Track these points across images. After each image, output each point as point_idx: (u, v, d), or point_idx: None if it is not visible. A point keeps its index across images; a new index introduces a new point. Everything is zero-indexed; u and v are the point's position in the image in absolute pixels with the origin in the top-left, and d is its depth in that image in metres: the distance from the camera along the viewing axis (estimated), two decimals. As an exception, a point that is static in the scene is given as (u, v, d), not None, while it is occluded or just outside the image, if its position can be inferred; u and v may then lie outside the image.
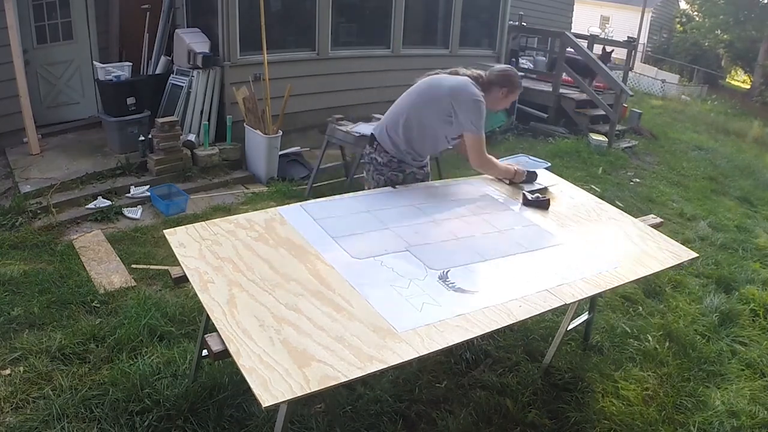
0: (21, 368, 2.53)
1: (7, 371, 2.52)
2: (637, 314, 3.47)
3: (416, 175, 2.92)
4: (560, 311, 2.76)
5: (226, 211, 4.45)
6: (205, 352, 2.28)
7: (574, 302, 2.14)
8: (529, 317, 1.96)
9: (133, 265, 3.55)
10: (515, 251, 2.33)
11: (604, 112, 7.68)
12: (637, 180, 6.49)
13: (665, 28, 25.65)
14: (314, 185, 4.94)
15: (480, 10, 7.96)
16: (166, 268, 3.33)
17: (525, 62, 9.56)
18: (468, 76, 2.77)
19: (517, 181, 2.92)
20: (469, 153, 2.79)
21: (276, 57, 5.52)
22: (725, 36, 21.52)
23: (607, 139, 7.37)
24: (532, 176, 2.98)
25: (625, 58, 9.89)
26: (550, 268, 2.22)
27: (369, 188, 2.94)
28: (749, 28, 19.74)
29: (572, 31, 10.51)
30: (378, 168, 2.89)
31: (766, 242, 4.99)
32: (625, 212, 2.90)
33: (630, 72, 11.07)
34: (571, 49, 7.98)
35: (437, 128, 2.78)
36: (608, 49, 8.65)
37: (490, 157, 2.84)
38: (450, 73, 2.81)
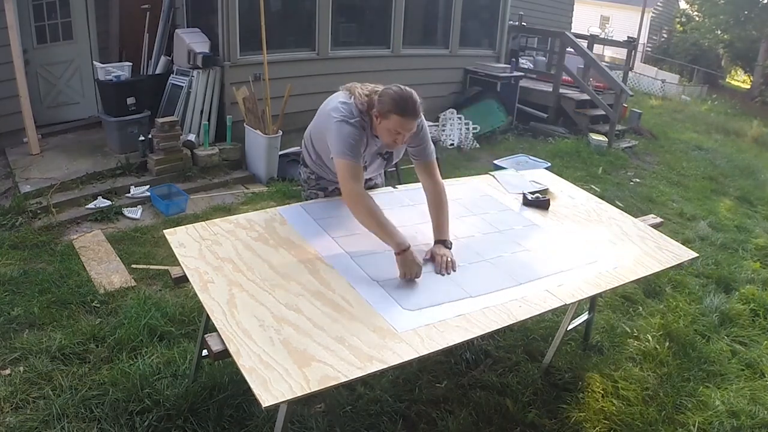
0: (21, 368, 2.53)
1: (7, 371, 2.52)
2: (637, 314, 3.47)
3: (339, 190, 2.37)
4: (560, 311, 2.76)
5: (226, 211, 4.45)
6: (205, 352, 2.28)
7: (574, 302, 2.14)
8: (529, 317, 1.97)
9: (133, 265, 3.55)
10: (515, 251, 2.33)
11: (604, 112, 7.69)
12: (637, 180, 6.49)
13: (665, 28, 25.65)
14: (310, 192, 4.92)
15: (480, 10, 7.96)
16: (166, 268, 3.33)
17: (525, 62, 9.56)
18: (358, 95, 2.26)
19: (400, 266, 2.06)
20: (340, 182, 2.23)
21: (276, 57, 5.52)
22: (725, 36, 21.52)
23: (607, 139, 7.37)
24: (543, 204, 2.61)
25: (625, 58, 9.88)
26: (550, 268, 2.22)
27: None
28: (749, 28, 19.73)
29: (572, 31, 10.51)
30: (301, 184, 2.68)
31: (766, 242, 4.98)
32: (625, 212, 2.90)
33: (630, 72, 11.07)
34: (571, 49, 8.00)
35: (327, 149, 2.35)
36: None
37: (363, 199, 2.17)
38: (342, 89, 2.36)
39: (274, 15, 5.83)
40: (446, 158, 5.51)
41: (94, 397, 2.37)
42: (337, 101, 2.30)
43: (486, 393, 2.63)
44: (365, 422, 2.39)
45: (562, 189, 3.05)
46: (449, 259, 2.15)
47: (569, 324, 2.72)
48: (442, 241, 2.24)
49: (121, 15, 5.80)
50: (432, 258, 2.18)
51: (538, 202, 2.74)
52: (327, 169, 2.55)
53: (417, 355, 1.67)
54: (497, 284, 2.07)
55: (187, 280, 1.96)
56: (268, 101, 5.18)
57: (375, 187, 2.79)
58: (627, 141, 8.01)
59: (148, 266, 3.55)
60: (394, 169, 3.16)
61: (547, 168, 3.22)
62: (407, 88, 2.17)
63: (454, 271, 2.14)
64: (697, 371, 2.97)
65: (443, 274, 2.12)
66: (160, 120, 4.87)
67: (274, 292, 1.87)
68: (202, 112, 5.36)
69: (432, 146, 2.42)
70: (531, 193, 2.81)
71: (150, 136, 4.91)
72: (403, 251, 2.05)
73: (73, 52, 5.57)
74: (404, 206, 2.60)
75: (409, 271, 2.04)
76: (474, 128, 7.03)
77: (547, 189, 2.97)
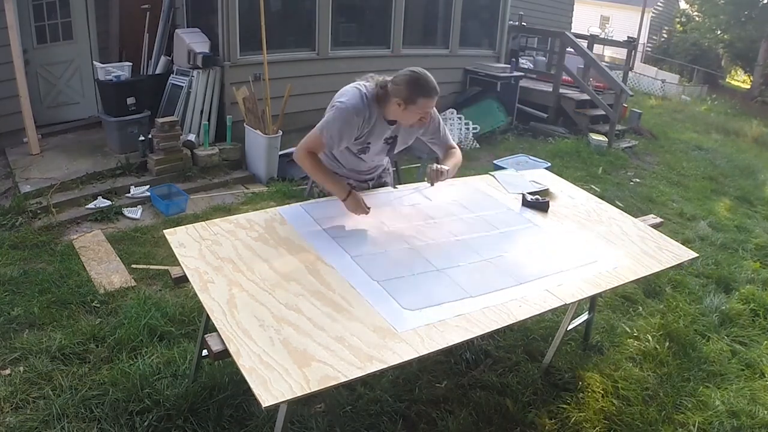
0: (21, 368, 2.53)
1: (7, 371, 2.52)
2: (637, 314, 3.47)
3: (354, 187, 2.52)
4: (560, 311, 2.76)
5: (226, 211, 4.45)
6: (205, 352, 2.28)
7: (574, 302, 2.14)
8: (529, 317, 1.97)
9: (133, 265, 3.55)
10: (515, 251, 2.33)
11: (604, 112, 7.69)
12: (637, 180, 6.49)
13: (665, 27, 25.65)
14: (314, 185, 4.92)
15: (480, 10, 7.97)
16: (166, 268, 3.33)
17: (525, 62, 9.56)
18: (372, 83, 2.39)
19: (348, 207, 2.38)
20: (300, 143, 2.46)
21: (276, 57, 5.52)
22: (725, 36, 21.51)
23: (607, 139, 7.37)
24: (543, 206, 2.66)
25: (625, 58, 9.89)
26: (550, 268, 2.22)
27: (306, 195, 2.79)
28: (749, 28, 19.72)
29: (572, 31, 10.51)
30: (314, 180, 2.74)
31: (766, 242, 4.98)
32: (625, 212, 2.90)
33: (630, 72, 11.07)
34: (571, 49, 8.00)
35: None
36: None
37: (313, 158, 2.42)
38: (360, 78, 2.48)
39: (274, 15, 5.83)
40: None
41: (94, 397, 2.37)
42: (349, 86, 2.42)
43: (486, 393, 2.63)
44: (365, 422, 2.39)
45: (562, 189, 3.05)
46: (438, 168, 2.48)
47: (569, 324, 2.72)
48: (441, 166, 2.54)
49: (121, 15, 5.80)
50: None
51: (538, 204, 2.73)
52: (338, 163, 2.59)
53: (417, 355, 1.67)
54: (497, 284, 2.07)
55: (187, 280, 1.96)
56: (268, 101, 5.18)
57: (384, 185, 2.80)
58: (627, 141, 8.01)
59: (148, 266, 3.55)
60: (395, 169, 3.17)
61: (547, 168, 3.22)
62: (418, 69, 2.31)
63: (443, 179, 2.51)
64: (697, 371, 2.97)
65: (431, 184, 2.54)
66: (160, 120, 4.87)
67: (274, 292, 1.87)
68: (202, 112, 5.36)
69: (449, 135, 2.68)
70: (531, 194, 2.80)
71: (150, 136, 4.91)
72: (348, 195, 2.37)
73: (73, 52, 5.57)
74: (404, 206, 2.59)
75: (355, 210, 2.36)
76: (474, 128, 7.03)
77: (547, 189, 2.97)
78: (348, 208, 2.38)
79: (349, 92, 2.38)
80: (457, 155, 2.67)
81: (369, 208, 2.39)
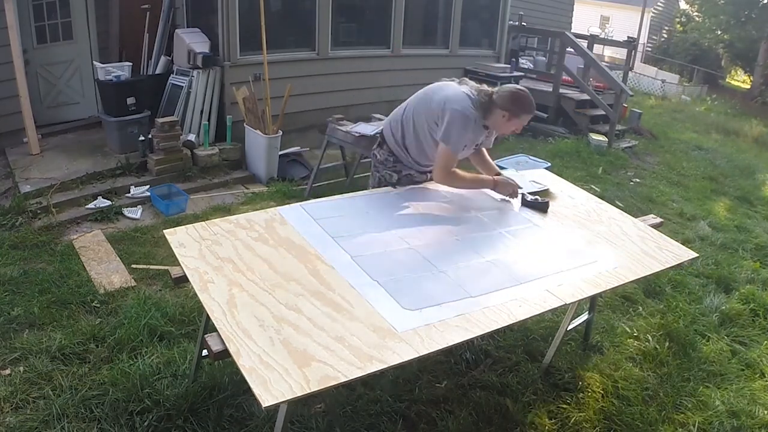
0: (21, 368, 2.53)
1: (7, 371, 2.52)
2: (637, 314, 3.47)
3: (414, 178, 2.85)
4: (560, 311, 2.76)
5: (226, 211, 4.45)
6: (205, 352, 2.28)
7: (574, 302, 2.14)
8: (529, 317, 1.97)
9: (133, 265, 3.55)
10: (515, 250, 2.33)
11: (604, 112, 7.68)
12: (637, 180, 6.49)
13: (666, 27, 25.65)
14: (314, 185, 4.94)
15: (480, 10, 7.96)
16: (166, 268, 3.33)
17: (525, 62, 9.56)
18: (474, 90, 2.66)
19: (501, 192, 2.75)
20: (434, 165, 2.70)
21: (276, 57, 5.52)
22: (725, 36, 21.49)
23: (607, 139, 7.37)
24: (543, 206, 2.73)
25: (625, 58, 9.88)
26: (550, 267, 2.22)
27: (370, 187, 2.95)
28: (749, 28, 19.70)
29: (572, 31, 10.51)
30: (375, 165, 2.91)
31: (766, 242, 4.98)
32: (625, 212, 2.90)
33: (630, 72, 11.07)
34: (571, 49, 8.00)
35: (426, 133, 2.70)
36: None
37: (457, 172, 2.68)
38: (459, 83, 2.73)
39: (274, 15, 5.83)
40: (446, 158, 5.49)
41: (94, 397, 2.37)
42: (457, 90, 2.63)
43: (486, 393, 2.63)
44: (365, 422, 2.39)
45: (562, 189, 3.05)
46: (513, 183, 2.75)
47: (569, 324, 2.72)
48: (497, 174, 2.81)
49: (121, 15, 5.80)
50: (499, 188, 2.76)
51: (538, 204, 2.74)
52: (405, 152, 2.79)
53: (417, 355, 1.67)
54: (497, 284, 2.07)
55: (187, 280, 1.96)
56: (268, 101, 5.18)
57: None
58: (627, 141, 8.01)
59: (148, 266, 3.55)
60: None
61: (547, 168, 3.22)
62: (523, 88, 2.68)
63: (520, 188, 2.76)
64: (697, 371, 2.97)
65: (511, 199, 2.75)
66: (160, 120, 4.87)
67: (274, 292, 1.87)
68: (202, 112, 5.36)
69: None
70: (531, 193, 2.80)
71: (150, 136, 4.91)
72: (495, 183, 2.71)
73: (73, 52, 5.57)
74: (404, 206, 2.60)
75: (507, 191, 2.71)
76: (474, 128, 7.02)
77: (548, 189, 2.97)
78: (503, 192, 2.73)
79: (460, 98, 2.60)
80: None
81: (519, 186, 2.73)
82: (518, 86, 2.66)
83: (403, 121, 2.78)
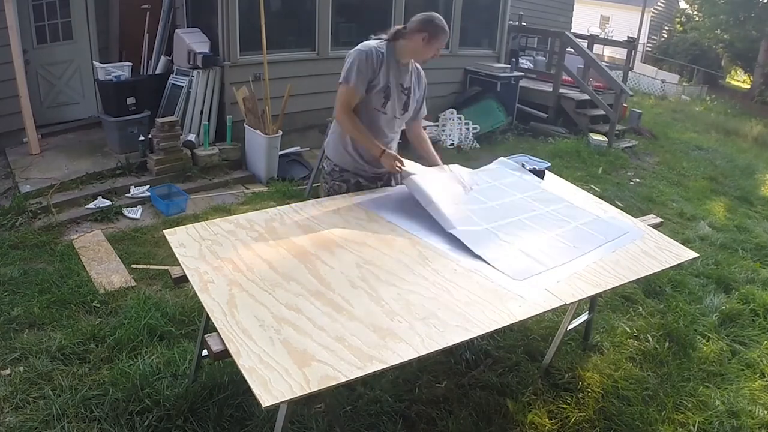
0: (21, 368, 2.53)
1: (7, 371, 2.52)
2: (637, 314, 3.47)
3: (363, 185, 2.75)
4: (560, 311, 2.76)
5: (226, 211, 4.45)
6: (205, 352, 2.28)
7: (574, 302, 2.14)
8: (529, 317, 1.96)
9: (133, 265, 3.55)
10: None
11: (604, 112, 7.69)
12: (637, 180, 6.49)
13: (666, 26, 25.64)
14: (314, 185, 4.94)
15: (480, 10, 7.96)
16: (166, 268, 3.33)
17: (525, 62, 9.56)
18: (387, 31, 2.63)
19: (384, 163, 2.59)
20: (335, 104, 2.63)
21: (276, 57, 5.52)
22: (725, 36, 21.49)
23: (607, 139, 7.37)
24: (540, 173, 2.92)
25: (624, 58, 9.89)
26: (549, 266, 2.22)
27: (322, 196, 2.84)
28: (749, 28, 19.70)
29: (572, 31, 10.51)
30: (324, 176, 2.84)
31: (766, 242, 4.98)
32: (625, 212, 2.89)
33: (630, 72, 11.07)
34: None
35: None
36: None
37: (351, 116, 2.57)
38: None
39: (274, 15, 5.83)
40: (446, 158, 5.45)
41: (94, 397, 2.37)
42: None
43: (486, 393, 2.63)
44: (365, 422, 2.39)
45: (562, 189, 3.05)
46: (398, 158, 2.60)
47: (569, 324, 2.72)
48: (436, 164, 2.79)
49: (121, 15, 5.80)
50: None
51: (535, 171, 2.95)
52: (351, 157, 2.71)
53: (417, 355, 1.67)
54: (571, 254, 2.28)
55: (187, 280, 1.96)
56: (268, 101, 5.18)
57: (388, 182, 2.87)
58: (627, 141, 8.01)
59: (148, 266, 3.55)
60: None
61: (547, 168, 3.22)
62: (430, 12, 2.61)
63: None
64: (697, 371, 2.97)
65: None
66: (160, 120, 4.87)
67: (274, 292, 1.87)
68: (202, 112, 5.36)
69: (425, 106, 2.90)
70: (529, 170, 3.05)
71: (150, 136, 4.91)
72: (382, 152, 2.57)
73: (73, 52, 5.57)
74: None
75: (392, 164, 2.56)
76: (474, 128, 7.03)
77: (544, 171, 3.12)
78: (384, 164, 2.59)
79: (363, 43, 2.60)
80: (427, 138, 2.91)
81: (402, 162, 2.58)
82: (426, 12, 2.61)
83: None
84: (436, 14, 2.61)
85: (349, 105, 2.56)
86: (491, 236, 2.37)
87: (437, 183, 2.57)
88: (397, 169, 2.56)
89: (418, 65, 2.75)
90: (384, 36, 2.62)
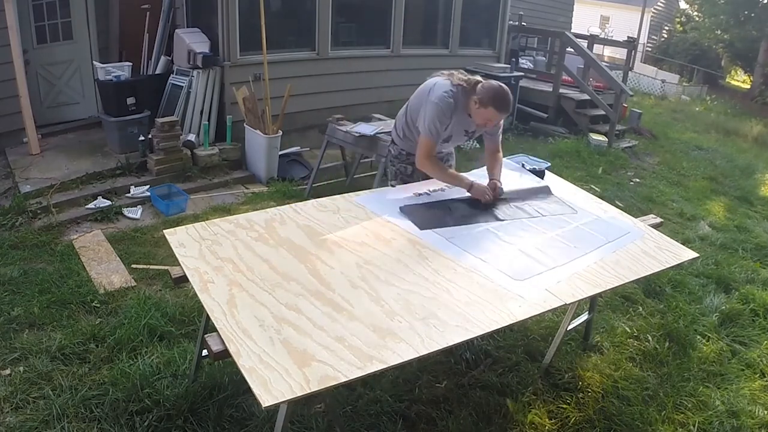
0: (21, 368, 2.53)
1: (7, 371, 2.52)
2: (637, 314, 3.47)
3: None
4: (560, 311, 2.76)
5: (226, 211, 4.45)
6: (205, 352, 2.28)
7: (574, 302, 2.14)
8: (529, 317, 1.96)
9: (133, 265, 3.55)
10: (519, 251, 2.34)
11: (604, 112, 7.68)
12: (637, 180, 6.49)
13: (666, 26, 25.64)
14: (314, 185, 4.94)
15: (480, 10, 7.96)
16: (166, 268, 3.33)
17: (525, 62, 9.56)
18: (458, 79, 2.76)
19: (474, 195, 2.71)
20: (416, 152, 2.83)
21: (276, 57, 5.52)
22: (725, 36, 21.49)
23: (607, 139, 7.37)
24: (540, 173, 2.97)
25: (624, 58, 9.88)
26: (549, 266, 2.22)
27: (390, 181, 3.15)
28: (749, 28, 19.70)
29: (572, 31, 10.51)
30: (391, 159, 3.13)
31: (766, 242, 4.98)
32: (625, 212, 2.90)
33: (630, 72, 11.07)
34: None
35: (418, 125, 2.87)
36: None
37: (434, 162, 2.81)
38: (447, 76, 2.82)
39: (274, 15, 5.83)
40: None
41: (94, 397, 2.37)
42: (440, 83, 2.76)
43: (486, 393, 2.63)
44: (365, 422, 2.39)
45: (562, 189, 3.05)
46: (488, 191, 2.70)
47: (569, 324, 2.72)
48: (495, 180, 2.83)
49: (121, 15, 5.80)
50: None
51: (535, 171, 2.99)
52: (414, 144, 2.90)
53: (417, 355, 1.67)
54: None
55: (187, 280, 1.96)
56: (268, 101, 5.18)
57: (450, 167, 3.10)
58: (627, 141, 8.01)
59: (148, 266, 3.55)
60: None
61: (547, 168, 3.22)
62: (505, 87, 2.66)
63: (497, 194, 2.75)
64: (697, 371, 2.97)
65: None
66: (160, 120, 4.86)
67: (274, 292, 1.87)
68: (202, 112, 5.36)
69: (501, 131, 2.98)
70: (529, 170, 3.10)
71: (150, 136, 4.91)
72: (471, 185, 2.69)
73: (73, 52, 5.57)
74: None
75: (483, 195, 2.66)
76: (474, 128, 7.02)
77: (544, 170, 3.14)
78: (476, 195, 2.69)
79: (437, 89, 2.73)
80: (500, 158, 2.96)
81: (492, 195, 2.70)
82: (502, 84, 2.68)
83: (406, 118, 2.98)
84: (503, 89, 2.64)
85: (431, 154, 2.76)
86: (491, 236, 2.37)
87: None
88: (488, 198, 2.67)
89: None
90: (460, 78, 2.74)
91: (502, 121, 2.89)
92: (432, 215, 2.51)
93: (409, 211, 2.51)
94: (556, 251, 2.31)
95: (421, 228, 2.37)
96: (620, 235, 2.51)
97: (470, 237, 2.34)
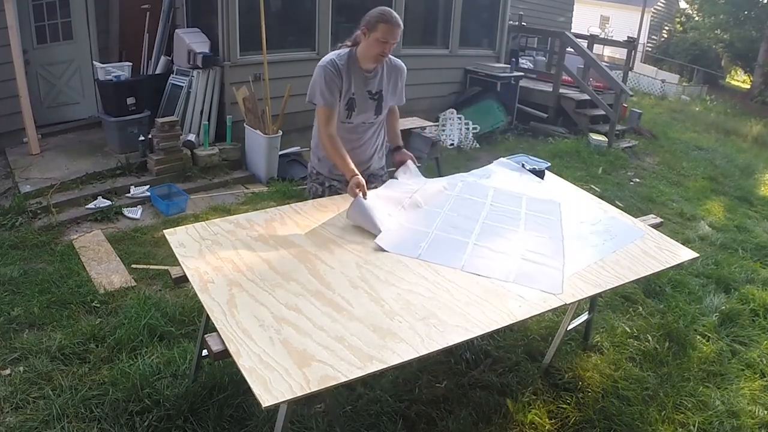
0: (21, 368, 2.53)
1: (7, 371, 2.52)
2: (637, 314, 3.47)
3: (338, 189, 2.72)
4: (560, 311, 2.76)
5: (226, 211, 4.45)
6: (205, 352, 2.28)
7: (574, 302, 2.14)
8: (529, 317, 1.96)
9: (133, 265, 3.55)
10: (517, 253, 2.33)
11: (604, 112, 7.69)
12: (637, 180, 6.49)
13: (666, 26, 25.64)
14: (312, 186, 4.93)
15: (480, 10, 7.96)
16: (166, 268, 3.33)
17: (525, 62, 9.57)
18: (341, 46, 2.61)
19: (349, 190, 2.44)
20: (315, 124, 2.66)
21: (276, 57, 5.52)
22: (725, 36, 21.50)
23: (607, 139, 7.37)
24: (540, 173, 2.93)
25: (624, 58, 9.89)
26: (549, 266, 2.21)
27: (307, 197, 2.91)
28: (749, 28, 19.72)
29: (572, 31, 10.51)
30: (308, 177, 2.93)
31: (766, 242, 4.98)
32: (625, 212, 2.89)
33: (630, 72, 11.07)
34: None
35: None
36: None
37: (332, 139, 2.53)
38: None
39: (274, 15, 5.83)
40: (446, 158, 5.51)
41: (94, 397, 2.37)
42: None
43: (486, 393, 2.63)
44: (365, 422, 2.39)
45: (561, 190, 3.05)
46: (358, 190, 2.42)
47: (569, 324, 2.72)
48: (398, 147, 2.81)
49: (121, 15, 5.80)
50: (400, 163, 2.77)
51: (535, 171, 2.96)
52: (323, 163, 2.76)
53: (417, 355, 1.67)
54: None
55: (187, 280, 1.96)
56: (268, 101, 5.18)
57: (372, 175, 2.83)
58: (627, 141, 8.01)
59: (148, 266, 3.55)
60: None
61: (547, 168, 3.22)
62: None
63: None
64: (697, 371, 2.97)
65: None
66: (160, 120, 4.87)
67: (274, 292, 1.87)
68: (202, 112, 5.36)
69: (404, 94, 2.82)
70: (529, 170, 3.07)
71: (150, 136, 4.91)
72: (351, 177, 2.44)
73: (73, 52, 5.57)
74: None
75: (353, 192, 2.39)
76: (474, 128, 7.04)
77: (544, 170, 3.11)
78: (348, 189, 2.45)
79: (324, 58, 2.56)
80: (397, 114, 2.86)
81: (365, 194, 2.40)
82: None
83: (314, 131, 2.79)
84: (384, 8, 2.49)
85: (327, 123, 2.54)
86: (479, 250, 2.27)
87: (382, 210, 2.42)
88: (355, 195, 2.39)
89: (392, 59, 2.67)
90: (348, 43, 2.58)
91: (405, 74, 2.73)
92: (406, 239, 2.29)
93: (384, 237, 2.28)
94: (556, 251, 2.30)
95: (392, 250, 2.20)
96: (620, 234, 2.50)
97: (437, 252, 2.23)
